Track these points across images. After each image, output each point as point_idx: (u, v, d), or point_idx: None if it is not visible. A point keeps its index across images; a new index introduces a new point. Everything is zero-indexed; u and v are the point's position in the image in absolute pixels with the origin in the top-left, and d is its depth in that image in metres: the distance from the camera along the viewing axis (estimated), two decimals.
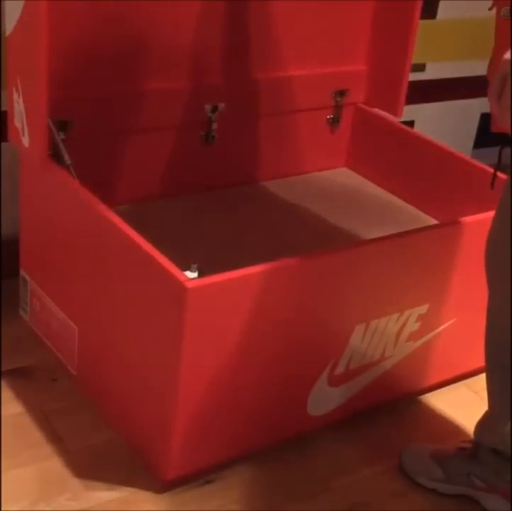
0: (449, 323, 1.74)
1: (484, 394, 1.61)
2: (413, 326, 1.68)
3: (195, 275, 1.62)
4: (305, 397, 1.60)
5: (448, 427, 1.76)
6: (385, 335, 1.64)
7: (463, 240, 1.67)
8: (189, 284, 1.34)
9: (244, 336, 1.44)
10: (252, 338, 1.45)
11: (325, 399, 1.63)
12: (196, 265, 1.63)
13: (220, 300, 1.39)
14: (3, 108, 1.82)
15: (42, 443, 1.58)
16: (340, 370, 1.61)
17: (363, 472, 1.62)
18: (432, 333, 1.72)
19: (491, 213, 1.68)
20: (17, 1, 1.53)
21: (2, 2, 1.74)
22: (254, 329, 1.45)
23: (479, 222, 1.67)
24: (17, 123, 1.67)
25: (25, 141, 1.65)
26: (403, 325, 1.66)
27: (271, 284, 1.44)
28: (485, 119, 2.76)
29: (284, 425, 1.62)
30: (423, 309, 1.67)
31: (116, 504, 1.48)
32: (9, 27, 1.59)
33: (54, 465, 1.54)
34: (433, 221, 2.06)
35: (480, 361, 1.76)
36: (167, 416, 1.46)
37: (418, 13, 2.06)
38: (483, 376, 1.77)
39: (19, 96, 1.63)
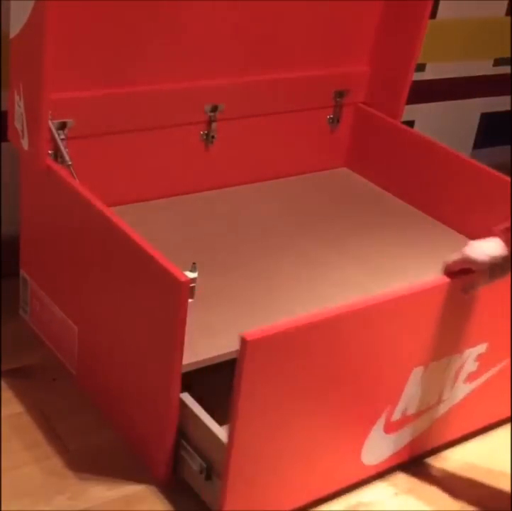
0: (505, 362, 1.67)
1: None
2: (471, 365, 1.61)
3: (195, 275, 1.62)
4: (360, 445, 1.52)
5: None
6: (443, 377, 1.56)
7: None
8: (248, 337, 1.25)
9: (295, 385, 1.35)
10: (304, 387, 1.36)
11: (380, 446, 1.55)
12: (196, 265, 1.64)
13: (274, 352, 1.30)
14: (3, 109, 1.82)
15: (42, 443, 1.58)
16: (396, 416, 1.53)
17: None
18: (489, 373, 1.65)
19: None
20: (25, 3, 1.53)
21: (2, 2, 1.75)
22: (308, 378, 1.36)
23: None
24: (17, 125, 1.67)
25: (25, 143, 1.66)
26: (462, 365, 1.59)
27: (324, 332, 1.34)
28: (485, 119, 2.76)
29: (336, 475, 1.54)
30: (482, 347, 1.60)
31: (116, 504, 1.48)
32: (15, 30, 1.59)
33: (54, 464, 1.54)
34: (433, 221, 2.06)
35: None
36: (166, 416, 1.46)
37: (427, 14, 2.07)
38: None
39: (20, 99, 1.63)
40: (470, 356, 1.59)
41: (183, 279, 1.35)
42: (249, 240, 1.89)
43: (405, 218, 2.09)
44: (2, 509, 1.44)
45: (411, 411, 1.56)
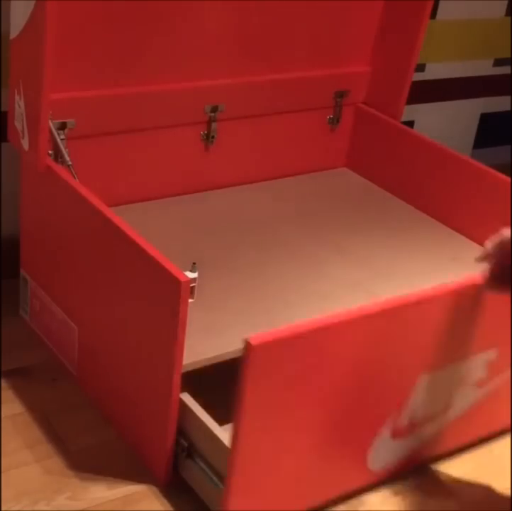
0: None
1: None
2: (480, 371, 1.56)
3: (195, 275, 1.62)
4: (366, 451, 1.49)
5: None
6: (451, 383, 1.53)
7: None
8: (253, 341, 1.22)
9: (300, 390, 1.33)
10: (309, 392, 1.34)
11: (386, 452, 1.52)
12: (196, 265, 1.64)
13: (279, 356, 1.27)
14: (3, 109, 1.82)
15: (42, 443, 1.58)
16: (403, 422, 1.50)
17: None
18: (499, 378, 1.61)
19: None
20: (25, 3, 1.52)
21: (2, 2, 1.75)
22: (313, 383, 1.34)
23: None
24: (17, 125, 1.67)
25: (25, 143, 1.66)
26: (471, 371, 1.55)
27: (330, 337, 1.32)
28: (485, 119, 2.76)
29: (341, 479, 1.51)
30: (492, 353, 1.55)
31: (116, 504, 1.48)
32: (15, 30, 1.59)
33: (54, 464, 1.54)
34: (433, 222, 2.06)
35: None
36: (166, 416, 1.46)
37: (427, 14, 2.07)
38: None
39: (20, 99, 1.63)
40: (479, 362, 1.55)
41: (183, 279, 1.35)
42: (249, 240, 1.90)
43: (406, 218, 2.09)
44: (2, 508, 1.44)
45: (419, 417, 1.53)
